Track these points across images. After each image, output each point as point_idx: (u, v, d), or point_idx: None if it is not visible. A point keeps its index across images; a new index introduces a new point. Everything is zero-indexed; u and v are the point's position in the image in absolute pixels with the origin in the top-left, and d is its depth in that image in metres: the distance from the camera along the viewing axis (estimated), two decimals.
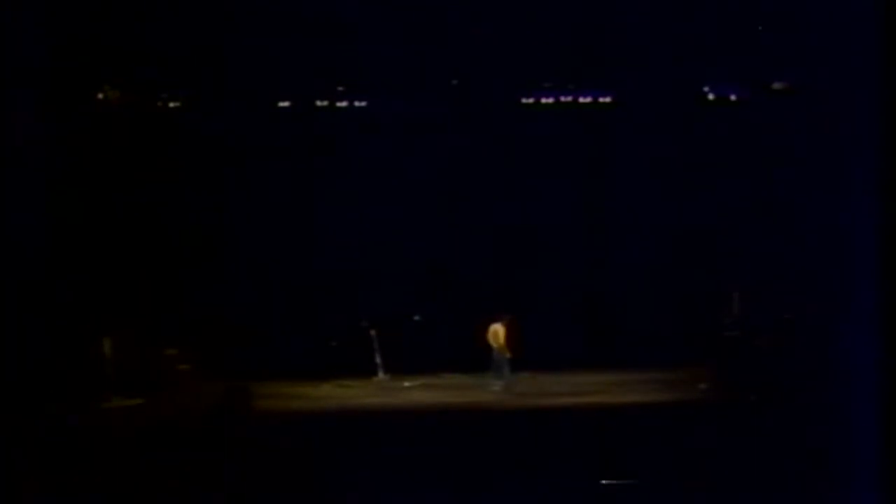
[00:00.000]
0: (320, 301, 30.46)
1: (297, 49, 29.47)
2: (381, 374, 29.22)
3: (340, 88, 31.81)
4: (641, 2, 29.42)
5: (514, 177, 31.39)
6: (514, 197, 31.45)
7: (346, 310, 30.24)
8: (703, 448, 18.04)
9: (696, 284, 29.91)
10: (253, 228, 30.81)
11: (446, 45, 30.06)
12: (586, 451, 18.27)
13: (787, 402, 21.37)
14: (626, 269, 30.64)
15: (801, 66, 27.07)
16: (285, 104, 31.75)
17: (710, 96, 31.95)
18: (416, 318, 30.70)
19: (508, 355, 26.51)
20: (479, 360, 27.16)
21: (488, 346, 26.84)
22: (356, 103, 31.97)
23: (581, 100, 32.08)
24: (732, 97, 31.78)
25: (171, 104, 31.54)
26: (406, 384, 28.05)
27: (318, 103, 31.84)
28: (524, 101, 32.11)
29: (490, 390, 26.35)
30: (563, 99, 32.09)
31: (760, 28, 28.39)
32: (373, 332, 29.47)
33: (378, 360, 29.33)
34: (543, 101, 32.14)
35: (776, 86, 30.58)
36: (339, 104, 31.92)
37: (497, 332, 26.72)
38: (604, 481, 16.41)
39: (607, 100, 32.04)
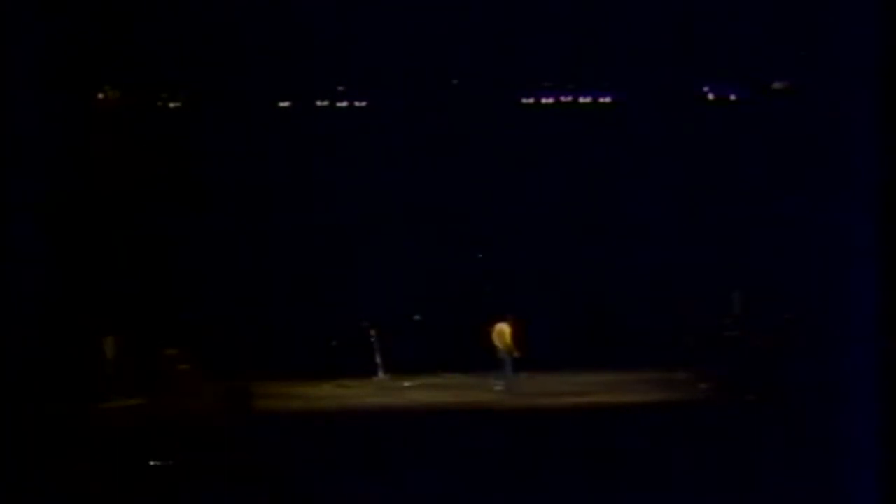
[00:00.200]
0: (320, 301, 30.45)
1: (297, 49, 29.47)
2: (381, 374, 29.22)
3: (340, 88, 31.81)
4: (641, 2, 29.42)
5: (514, 176, 31.38)
6: (513, 196, 31.44)
7: (346, 310, 30.24)
8: (703, 448, 18.03)
9: (696, 284, 29.88)
10: (253, 228, 30.81)
11: (446, 45, 30.06)
12: (586, 450, 18.27)
13: (787, 401, 21.38)
14: (626, 269, 30.62)
15: (801, 66, 27.08)
16: (285, 104, 31.75)
17: (710, 96, 31.95)
18: (416, 318, 30.69)
19: (517, 354, 26.44)
20: (478, 360, 27.13)
21: (492, 346, 26.77)
22: (356, 103, 31.97)
23: (581, 100, 32.08)
24: (732, 97, 31.79)
25: (171, 104, 31.54)
26: (406, 384, 28.04)
27: (318, 103, 31.84)
28: (524, 101, 32.11)
29: (492, 390, 26.32)
30: (563, 99, 32.09)
31: (761, 28, 28.38)
32: (373, 332, 29.47)
33: (378, 360, 29.32)
34: (543, 101, 32.15)
35: (776, 86, 30.59)
36: (339, 104, 31.92)
37: (504, 331, 26.64)
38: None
39: (607, 100, 32.05)
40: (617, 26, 29.55)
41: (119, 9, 27.84)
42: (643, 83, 30.82)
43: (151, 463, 18.33)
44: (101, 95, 30.50)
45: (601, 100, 32.08)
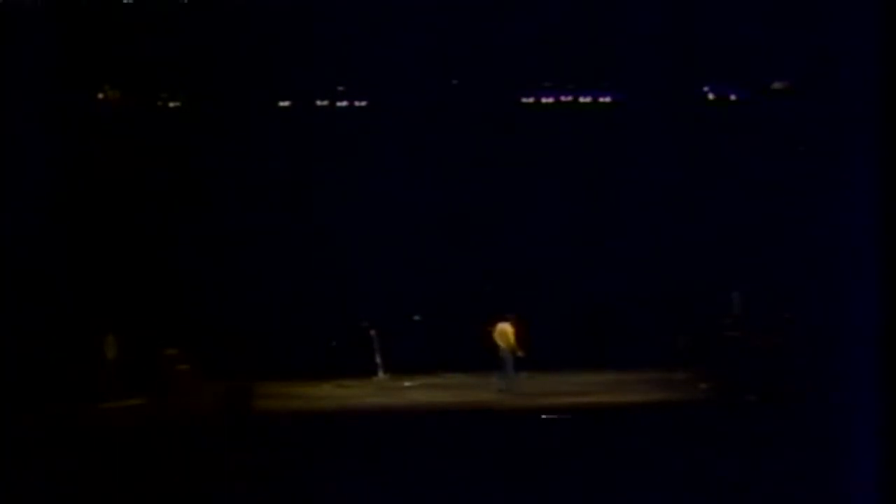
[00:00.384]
0: (320, 301, 30.45)
1: (297, 49, 29.47)
2: (381, 374, 29.23)
3: (340, 88, 31.81)
4: (641, 2, 29.43)
5: (514, 176, 31.39)
6: (513, 196, 31.45)
7: (346, 310, 30.24)
8: (703, 448, 18.04)
9: (697, 285, 29.88)
10: (253, 228, 30.81)
11: (446, 45, 30.06)
12: (587, 450, 18.27)
13: (787, 401, 21.39)
14: (626, 269, 30.62)
15: (801, 66, 27.08)
16: (285, 104, 31.76)
17: (710, 96, 31.96)
18: (416, 318, 30.70)
19: (520, 354, 26.42)
20: (479, 360, 27.12)
21: (494, 346, 26.74)
22: (356, 103, 31.97)
23: (581, 100, 32.08)
24: (732, 97, 31.79)
25: (171, 104, 31.55)
26: (406, 384, 28.05)
27: (318, 103, 31.85)
28: (524, 101, 32.11)
29: (492, 390, 26.32)
30: (563, 99, 32.10)
31: (761, 28, 28.37)
32: (373, 332, 29.48)
33: (378, 360, 29.34)
34: (543, 101, 32.15)
35: (776, 86, 30.59)
36: (339, 104, 31.93)
37: (506, 331, 26.61)
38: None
39: (607, 100, 32.05)
40: (617, 26, 29.56)
41: (119, 9, 27.86)
42: (643, 83, 30.81)
43: (151, 463, 18.35)
44: (101, 95, 30.52)
45: (601, 100, 32.07)
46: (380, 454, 18.43)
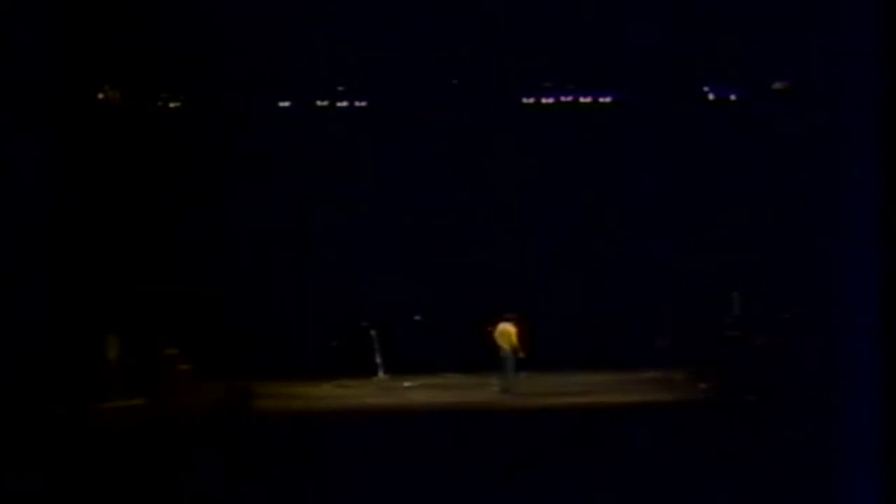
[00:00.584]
0: (320, 301, 30.44)
1: (297, 49, 29.46)
2: (381, 374, 29.23)
3: (340, 88, 31.80)
4: (641, 2, 29.42)
5: (514, 176, 31.38)
6: (513, 196, 31.44)
7: (346, 310, 30.23)
8: (703, 447, 18.04)
9: (697, 284, 29.88)
10: (253, 228, 30.81)
11: (446, 45, 30.05)
12: (587, 450, 18.27)
13: (787, 402, 21.38)
14: (626, 269, 30.61)
15: (801, 66, 27.06)
16: (285, 104, 31.75)
17: (710, 96, 31.94)
18: (417, 318, 30.69)
19: (521, 354, 26.41)
20: (479, 360, 27.12)
21: (495, 346, 26.72)
22: (356, 103, 31.96)
23: (581, 100, 32.07)
24: (732, 97, 31.78)
25: (171, 104, 31.54)
26: (406, 384, 28.05)
27: (318, 103, 31.83)
28: (524, 101, 32.10)
29: (493, 390, 26.32)
30: (563, 99, 32.08)
31: (761, 28, 28.35)
32: (373, 332, 29.48)
33: (378, 360, 29.33)
34: (543, 101, 32.14)
35: (776, 86, 30.58)
36: (339, 104, 31.92)
37: (509, 331, 26.59)
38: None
39: (607, 100, 32.03)
40: (617, 26, 29.54)
41: (119, 9, 27.85)
42: (643, 83, 30.80)
43: (151, 463, 18.35)
44: (101, 95, 30.51)
45: (601, 100, 32.06)
46: (380, 454, 18.43)
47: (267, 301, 30.36)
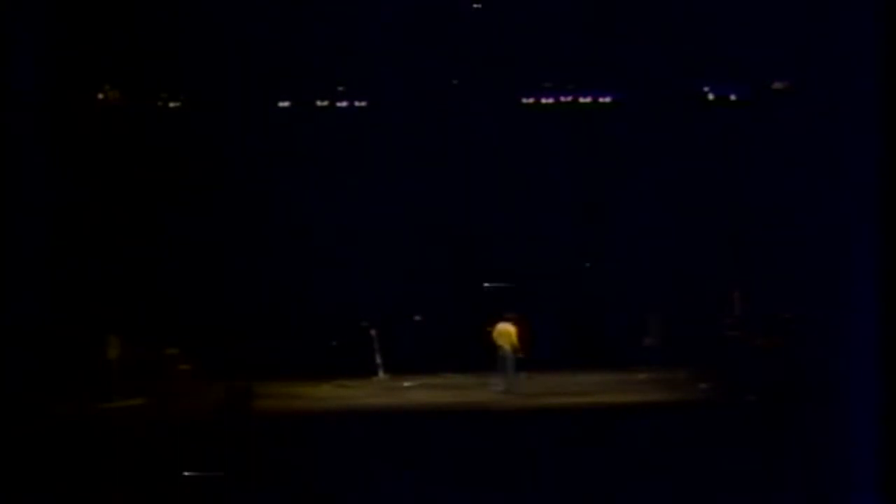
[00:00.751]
0: (320, 301, 30.44)
1: (297, 49, 29.46)
2: (381, 374, 29.22)
3: (340, 88, 31.81)
4: (641, 2, 29.41)
5: (514, 177, 31.38)
6: (513, 196, 31.44)
7: (346, 310, 30.22)
8: (703, 448, 18.03)
9: (697, 284, 29.88)
10: (253, 228, 30.81)
11: (446, 45, 30.05)
12: (587, 450, 18.27)
13: (787, 402, 21.38)
14: (625, 269, 30.61)
15: (801, 66, 27.06)
16: (285, 104, 31.75)
17: (710, 96, 31.95)
18: (417, 318, 30.69)
19: (520, 354, 26.42)
20: (479, 360, 27.11)
21: (493, 346, 26.74)
22: (356, 103, 31.97)
23: (581, 100, 32.07)
24: (732, 97, 31.78)
25: (171, 104, 31.54)
26: (406, 384, 28.04)
27: (318, 103, 31.84)
28: (524, 101, 32.11)
29: (492, 390, 26.32)
30: (563, 99, 32.09)
31: (761, 28, 28.34)
32: (373, 332, 29.47)
33: (378, 360, 29.32)
34: (543, 101, 32.14)
35: (776, 86, 30.58)
36: (339, 104, 31.92)
37: (509, 331, 26.58)
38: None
39: (607, 100, 32.04)
40: (617, 26, 29.54)
41: (119, 9, 27.85)
42: (643, 83, 30.80)
43: (151, 463, 18.34)
44: (101, 95, 30.51)
45: (601, 100, 32.07)
46: (380, 454, 18.42)
47: (267, 301, 30.35)
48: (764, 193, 29.57)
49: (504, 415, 23.66)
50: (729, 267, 29.65)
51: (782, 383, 23.13)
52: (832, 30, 14.92)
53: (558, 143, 31.51)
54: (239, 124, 30.81)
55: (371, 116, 31.66)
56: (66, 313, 25.92)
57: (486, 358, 26.82)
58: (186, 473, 17.49)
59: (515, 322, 26.65)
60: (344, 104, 31.91)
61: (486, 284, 30.72)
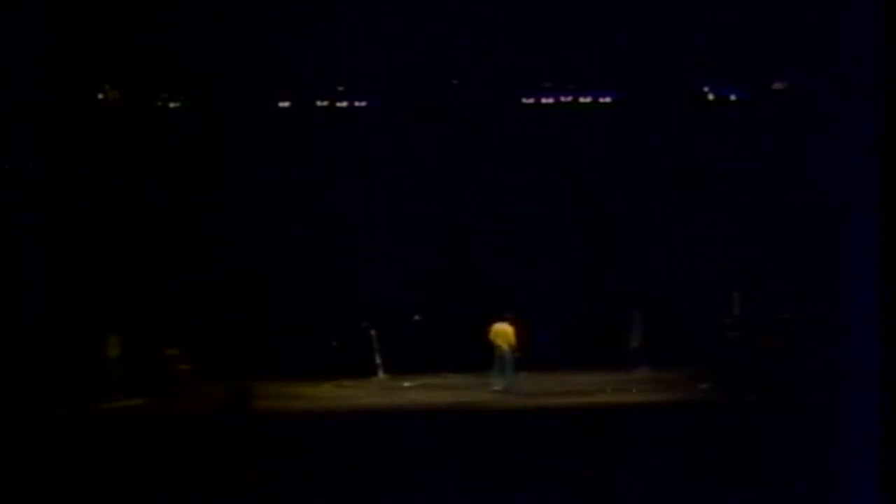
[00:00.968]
0: (320, 301, 30.45)
1: (297, 49, 29.47)
2: (381, 374, 29.23)
3: (340, 88, 31.82)
4: (641, 2, 29.42)
5: (515, 177, 31.39)
6: (513, 197, 31.45)
7: (346, 310, 30.24)
8: (703, 448, 18.04)
9: (696, 284, 29.88)
10: (253, 228, 30.82)
11: (446, 45, 30.06)
12: (586, 451, 18.28)
13: (787, 402, 21.39)
14: (625, 269, 30.61)
15: (801, 66, 27.08)
16: (285, 104, 31.76)
17: (710, 96, 31.96)
18: (416, 318, 30.69)
19: (517, 354, 26.44)
20: (478, 360, 27.12)
21: (490, 346, 26.78)
22: (356, 103, 31.98)
23: (581, 100, 32.09)
24: (732, 97, 31.80)
25: (171, 104, 31.56)
26: (406, 384, 28.05)
27: (318, 103, 31.85)
28: (524, 101, 32.12)
29: (491, 390, 26.33)
30: (563, 99, 32.10)
31: (761, 28, 28.36)
32: (373, 332, 29.48)
33: (378, 360, 29.33)
34: (543, 101, 32.16)
35: (776, 86, 30.59)
36: (339, 104, 31.93)
37: (506, 331, 26.61)
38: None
39: (607, 100, 32.05)
40: (617, 26, 29.55)
41: (119, 9, 27.86)
42: (643, 83, 30.81)
43: (151, 463, 18.35)
44: (101, 95, 30.53)
45: (601, 100, 32.08)
46: (380, 454, 18.43)
47: (267, 301, 30.35)
48: (764, 193, 29.58)
49: (504, 415, 23.67)
50: (729, 267, 29.65)
51: (782, 383, 23.14)
52: (832, 30, 14.91)
53: (558, 143, 31.51)
54: (239, 124, 30.82)
55: (371, 116, 31.67)
56: (66, 313, 25.94)
57: (485, 358, 26.85)
58: (186, 473, 17.50)
59: (512, 322, 26.68)
60: (344, 104, 31.92)
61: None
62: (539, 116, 31.97)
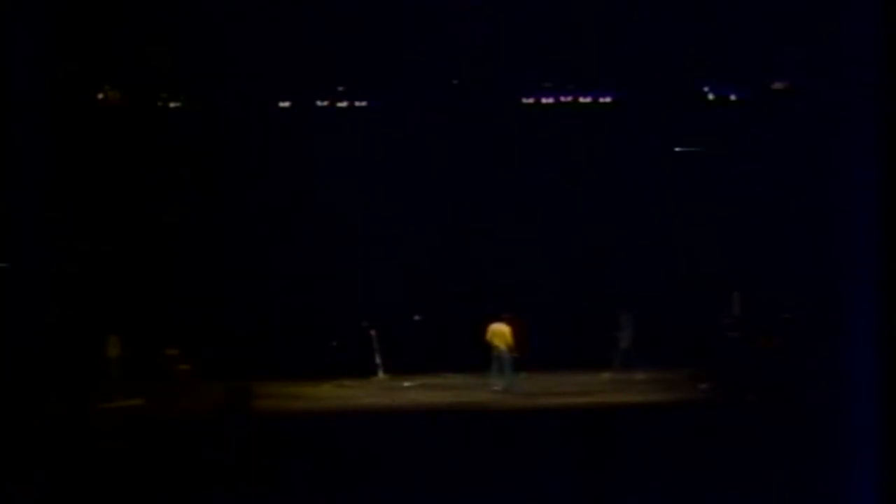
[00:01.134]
0: (320, 301, 30.45)
1: (297, 49, 29.46)
2: (381, 374, 29.22)
3: (340, 88, 31.81)
4: (641, 2, 29.41)
5: (515, 177, 31.38)
6: (513, 196, 31.44)
7: (346, 310, 30.23)
8: (703, 447, 18.04)
9: (696, 284, 29.88)
10: (253, 228, 30.81)
11: (446, 45, 30.05)
12: (587, 450, 18.27)
13: (787, 402, 21.39)
14: (625, 269, 30.61)
15: (801, 66, 27.07)
16: (285, 104, 31.76)
17: (710, 96, 31.95)
18: (416, 318, 30.69)
19: (514, 354, 26.46)
20: (478, 360, 27.13)
21: (488, 346, 26.80)
22: (356, 103, 31.97)
23: (581, 100, 32.08)
24: (732, 97, 31.79)
25: (171, 104, 31.55)
26: (406, 384, 28.04)
27: (318, 103, 31.84)
28: (524, 101, 32.11)
29: (491, 390, 26.34)
30: (563, 99, 32.09)
31: (760, 28, 28.35)
32: (373, 332, 29.47)
33: (378, 360, 29.32)
34: (543, 101, 32.15)
35: (776, 86, 30.59)
36: (339, 104, 31.93)
37: (503, 331, 26.63)
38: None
39: (607, 100, 32.04)
40: (617, 26, 29.54)
41: (119, 9, 27.85)
42: (643, 83, 30.81)
43: (151, 463, 18.35)
44: (101, 95, 30.52)
45: (601, 100, 32.07)
46: (380, 454, 18.43)
47: (267, 301, 30.35)
48: (764, 193, 29.57)
49: (504, 415, 23.67)
50: (729, 267, 29.64)
51: (782, 383, 23.14)
52: (832, 30, 14.91)
53: (558, 143, 31.51)
54: (239, 124, 30.81)
55: (371, 116, 31.67)
56: (66, 313, 25.92)
57: (485, 358, 26.86)
58: (186, 474, 17.50)
59: (509, 322, 26.70)
60: (344, 104, 31.92)
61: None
62: (539, 116, 31.96)
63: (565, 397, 25.24)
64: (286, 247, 30.87)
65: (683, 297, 29.79)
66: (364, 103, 31.94)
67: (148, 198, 30.24)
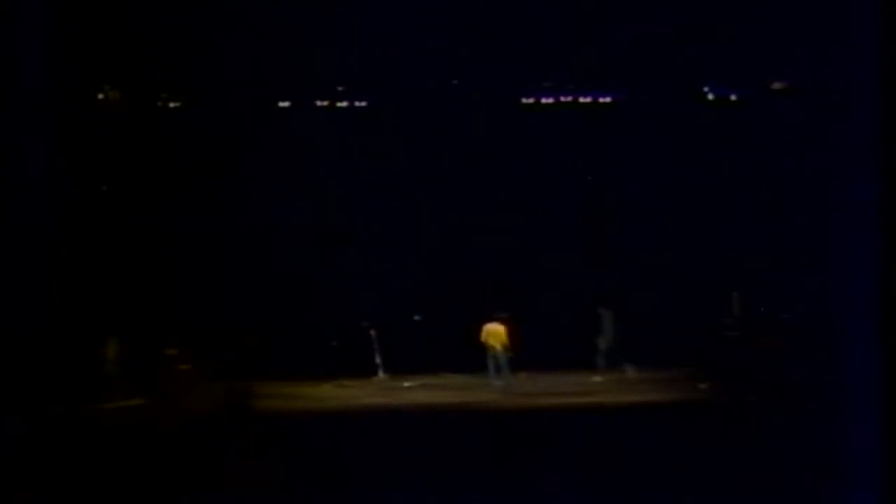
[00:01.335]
0: (320, 301, 30.45)
1: (297, 49, 29.46)
2: (381, 374, 29.23)
3: (340, 88, 31.81)
4: (642, 2, 29.43)
5: (514, 177, 31.39)
6: (513, 197, 31.45)
7: (346, 310, 30.23)
8: (703, 447, 18.03)
9: (696, 284, 29.88)
10: (253, 228, 30.81)
11: (446, 45, 30.06)
12: (586, 451, 18.27)
13: (787, 402, 21.38)
14: (625, 269, 30.62)
15: (801, 66, 27.09)
16: (285, 104, 31.76)
17: (710, 96, 31.96)
18: (416, 318, 30.69)
19: (511, 354, 26.49)
20: (478, 360, 27.14)
21: (483, 346, 26.83)
22: (356, 103, 31.97)
23: (581, 100, 32.09)
24: (732, 97, 31.80)
25: (171, 104, 31.55)
26: (406, 384, 28.05)
27: (318, 103, 31.84)
28: (524, 101, 32.11)
29: (491, 390, 26.34)
30: (563, 99, 32.09)
31: (760, 28, 28.36)
32: (373, 332, 29.47)
33: (378, 360, 29.33)
34: (543, 101, 32.15)
35: (776, 86, 30.59)
36: (339, 104, 31.93)
37: (498, 331, 26.67)
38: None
39: (607, 100, 32.05)
40: (617, 26, 29.55)
41: (119, 9, 27.85)
42: (643, 83, 30.81)
43: (151, 463, 18.35)
44: (101, 95, 30.51)
45: (601, 100, 32.08)
46: (380, 454, 18.42)
47: (267, 301, 30.35)
48: (764, 193, 29.59)
49: (504, 414, 23.66)
50: (729, 267, 29.64)
51: (782, 383, 23.13)
52: (832, 30, 14.92)
53: (558, 143, 31.51)
54: (239, 124, 30.81)
55: (371, 116, 31.67)
56: (65, 313, 25.91)
57: (485, 358, 26.88)
58: (186, 474, 17.50)
59: (504, 322, 26.73)
60: (344, 104, 31.92)
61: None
62: (539, 116, 31.96)
63: (564, 397, 25.24)
64: (286, 247, 30.87)
65: (683, 296, 29.80)
66: (364, 103, 31.94)
67: (148, 198, 30.23)
